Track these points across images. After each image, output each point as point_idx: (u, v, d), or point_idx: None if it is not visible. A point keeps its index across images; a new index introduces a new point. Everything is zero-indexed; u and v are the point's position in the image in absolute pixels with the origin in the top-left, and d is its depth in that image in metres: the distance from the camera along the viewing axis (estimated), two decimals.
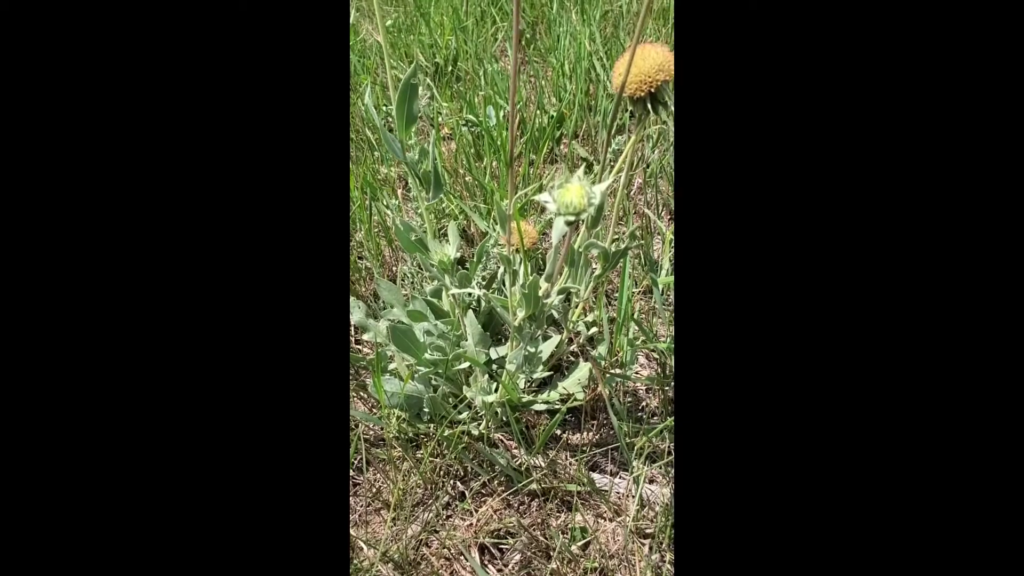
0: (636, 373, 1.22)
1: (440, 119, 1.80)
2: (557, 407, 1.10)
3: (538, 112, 1.68)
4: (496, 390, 1.06)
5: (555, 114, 1.63)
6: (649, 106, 0.80)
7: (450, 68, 1.90)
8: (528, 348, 0.93)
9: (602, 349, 1.13)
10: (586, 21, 1.92)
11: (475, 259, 1.17)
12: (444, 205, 1.36)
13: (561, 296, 0.91)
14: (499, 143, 1.52)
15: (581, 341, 1.18)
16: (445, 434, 1.06)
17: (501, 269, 1.23)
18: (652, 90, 0.79)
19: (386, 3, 2.23)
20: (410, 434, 1.13)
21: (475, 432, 1.06)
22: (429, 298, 1.20)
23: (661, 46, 0.79)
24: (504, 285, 1.06)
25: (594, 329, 1.16)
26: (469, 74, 1.89)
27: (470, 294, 1.01)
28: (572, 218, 0.67)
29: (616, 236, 1.45)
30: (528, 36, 2.06)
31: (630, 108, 0.81)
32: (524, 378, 1.01)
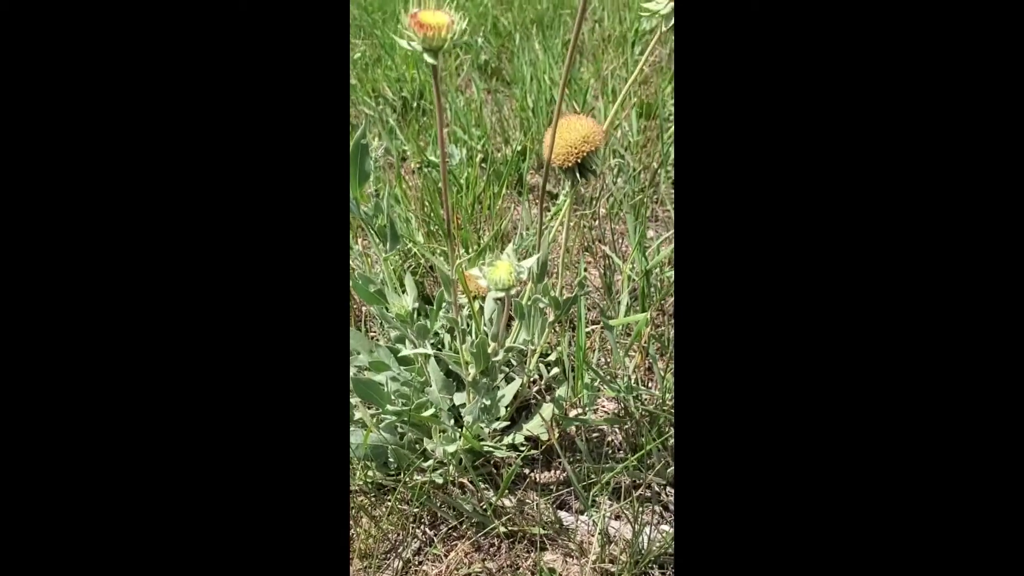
0: (599, 410, 1.25)
1: (403, 157, 1.83)
2: (521, 450, 1.13)
3: (503, 144, 1.71)
4: (460, 438, 1.09)
5: (518, 148, 1.66)
6: (577, 174, 0.82)
7: (415, 104, 1.93)
8: (484, 400, 0.96)
9: (562, 391, 1.16)
10: (547, 50, 1.95)
11: (435, 306, 1.19)
12: (408, 247, 1.39)
13: (512, 351, 0.93)
14: (464, 181, 1.54)
15: (543, 384, 1.21)
16: (410, 484, 1.09)
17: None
18: (579, 160, 0.81)
19: (354, 36, 2.26)
20: (378, 481, 1.16)
21: (440, 481, 1.09)
22: (393, 344, 1.22)
23: (586, 118, 0.82)
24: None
25: (556, 370, 1.19)
26: (432, 110, 1.92)
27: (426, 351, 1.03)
28: (502, 294, 0.70)
29: (577, 273, 1.48)
30: (493, 66, 2.09)
31: (560, 175, 0.84)
32: (486, 426, 1.04)
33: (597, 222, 1.57)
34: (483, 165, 1.67)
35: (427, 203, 1.52)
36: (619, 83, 1.86)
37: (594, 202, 1.47)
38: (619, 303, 1.29)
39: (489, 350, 0.88)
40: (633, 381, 1.17)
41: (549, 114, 1.71)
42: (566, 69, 0.71)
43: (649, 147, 1.78)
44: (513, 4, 2.15)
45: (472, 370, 0.90)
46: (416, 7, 0.69)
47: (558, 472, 1.21)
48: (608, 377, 1.15)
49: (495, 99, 1.99)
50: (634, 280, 1.27)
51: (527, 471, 1.22)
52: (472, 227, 1.48)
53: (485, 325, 0.94)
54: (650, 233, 1.62)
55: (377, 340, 1.19)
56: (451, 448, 1.05)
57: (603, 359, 1.30)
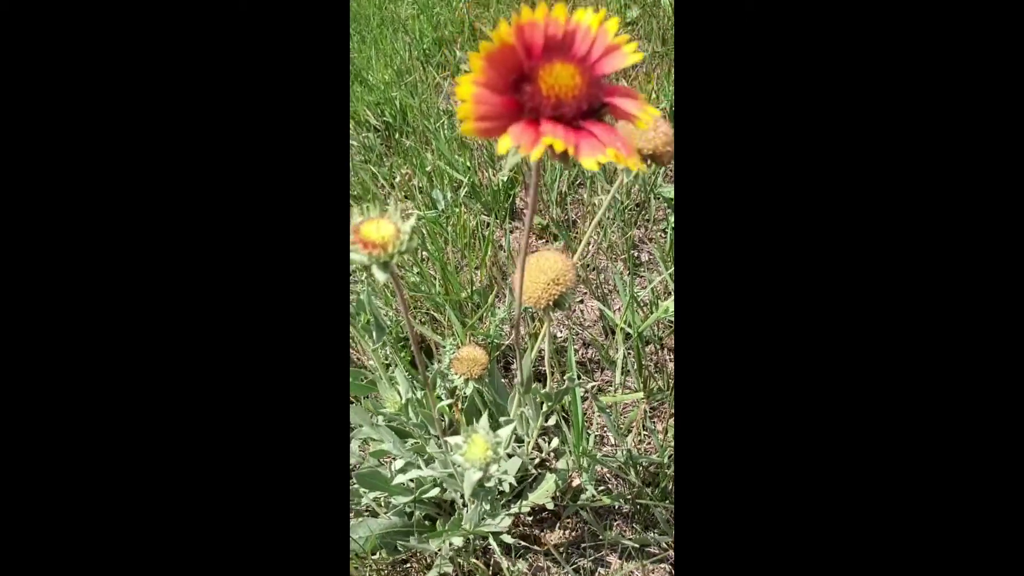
0: (603, 472, 1.26)
1: (392, 184, 1.80)
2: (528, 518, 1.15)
3: (491, 173, 1.68)
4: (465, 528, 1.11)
5: (506, 178, 1.62)
6: (550, 311, 0.81)
7: (398, 123, 1.88)
8: (485, 505, 0.97)
9: (563, 463, 1.17)
10: None
11: (431, 386, 1.20)
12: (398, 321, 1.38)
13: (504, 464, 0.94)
14: (454, 225, 1.52)
15: (543, 455, 1.22)
16: None
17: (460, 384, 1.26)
18: (555, 298, 0.80)
19: None
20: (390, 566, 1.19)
21: (449, 570, 1.12)
22: (390, 424, 1.23)
23: (555, 255, 0.81)
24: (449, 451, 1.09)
25: (556, 442, 1.20)
26: (417, 130, 1.88)
27: (417, 466, 1.04)
28: (480, 473, 0.70)
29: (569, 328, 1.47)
30: None
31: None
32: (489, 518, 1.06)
33: (589, 256, 1.55)
34: (467, 202, 1.65)
35: (416, 266, 1.51)
36: None
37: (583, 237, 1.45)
38: (615, 363, 1.29)
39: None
40: (632, 447, 1.18)
41: None
42: (530, 215, 0.69)
43: None
44: (490, 5, 2.07)
45: (468, 491, 0.91)
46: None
47: (567, 532, 1.24)
48: (607, 456, 1.16)
49: None
50: (628, 332, 1.26)
51: (537, 531, 1.24)
52: (465, 281, 1.47)
53: (468, 502, 0.94)
54: (643, 256, 1.60)
55: (375, 424, 1.20)
56: (458, 542, 1.07)
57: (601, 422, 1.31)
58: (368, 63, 2.05)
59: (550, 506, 1.20)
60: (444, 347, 1.29)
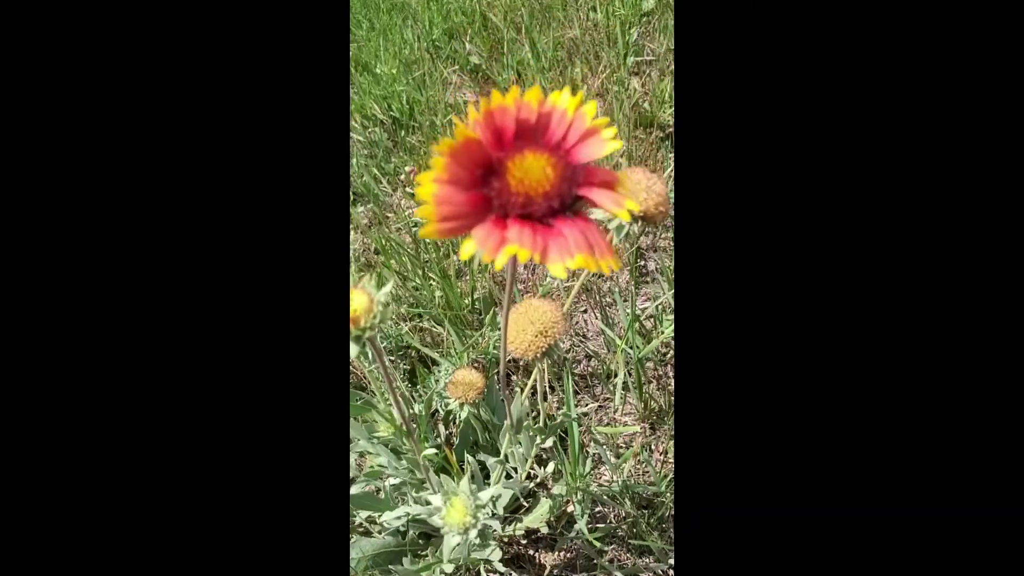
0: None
1: (399, 176, 1.77)
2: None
3: None
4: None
5: None
6: (539, 362, 0.79)
7: (405, 119, 1.85)
8: (474, 540, 0.96)
9: (559, 489, 1.16)
10: (536, 52, 1.83)
11: (423, 412, 1.18)
12: (400, 333, 1.37)
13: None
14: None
15: (539, 479, 1.21)
16: None
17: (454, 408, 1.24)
18: (543, 350, 0.78)
19: None
20: None
21: None
22: (385, 442, 1.23)
23: (543, 304, 0.78)
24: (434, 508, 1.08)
25: (551, 466, 1.18)
26: (424, 126, 1.84)
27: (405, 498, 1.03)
28: (459, 538, 0.68)
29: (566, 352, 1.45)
30: (485, 67, 1.98)
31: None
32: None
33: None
34: None
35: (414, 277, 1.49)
36: (614, 98, 1.75)
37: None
38: (614, 385, 1.26)
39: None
40: (629, 474, 1.16)
41: None
42: (508, 287, 0.67)
43: (649, 162, 1.69)
44: None
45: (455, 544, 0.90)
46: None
47: (563, 553, 1.23)
48: (603, 486, 1.14)
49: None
50: (628, 355, 1.24)
51: (532, 551, 1.24)
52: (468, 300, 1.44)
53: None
54: (650, 265, 1.57)
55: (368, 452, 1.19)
56: (448, 569, 1.07)
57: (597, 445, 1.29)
58: (376, 53, 2.01)
59: (544, 530, 1.19)
60: (441, 366, 1.27)
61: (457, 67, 1.98)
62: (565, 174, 0.49)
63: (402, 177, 1.77)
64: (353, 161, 1.79)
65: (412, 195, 1.68)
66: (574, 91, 0.52)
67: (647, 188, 0.69)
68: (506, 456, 1.00)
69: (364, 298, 0.64)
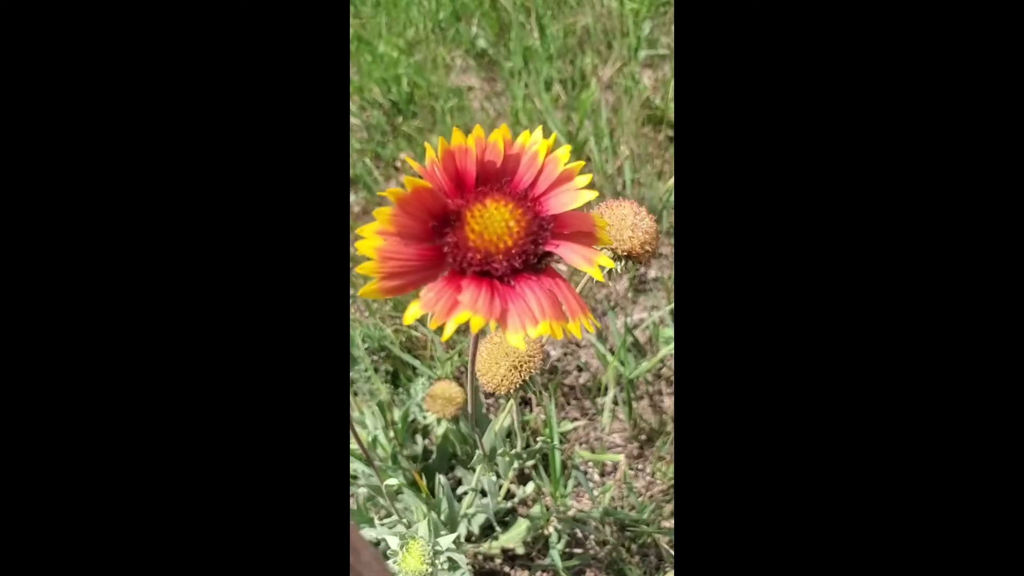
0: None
1: (395, 166, 1.71)
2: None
3: None
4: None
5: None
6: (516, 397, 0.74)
7: (404, 104, 1.78)
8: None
9: (537, 510, 1.11)
10: (544, 38, 1.76)
11: (400, 425, 1.14)
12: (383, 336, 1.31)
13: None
14: None
15: (517, 499, 1.16)
16: None
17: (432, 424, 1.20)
18: (516, 386, 0.73)
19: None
20: None
21: None
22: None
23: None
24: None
25: (531, 487, 1.14)
26: (423, 112, 1.77)
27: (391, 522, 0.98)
28: None
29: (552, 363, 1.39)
30: (491, 52, 1.90)
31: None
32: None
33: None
34: None
35: None
36: (623, 98, 1.67)
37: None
38: (602, 405, 1.21)
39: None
40: (608, 501, 1.11)
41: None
42: (471, 362, 0.61)
43: (656, 162, 1.62)
44: None
45: None
46: None
47: (540, 573, 1.18)
48: (583, 512, 1.10)
49: (491, 103, 1.82)
50: (620, 373, 1.18)
51: (508, 568, 1.20)
52: None
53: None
54: (651, 273, 1.50)
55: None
56: None
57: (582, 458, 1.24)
58: (378, 32, 1.94)
59: (520, 551, 1.15)
60: (419, 374, 1.22)
61: (462, 50, 1.90)
62: (531, 228, 0.43)
63: (397, 164, 1.71)
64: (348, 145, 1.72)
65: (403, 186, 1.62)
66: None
67: (633, 225, 0.63)
68: (481, 485, 0.95)
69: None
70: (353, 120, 1.80)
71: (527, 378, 0.71)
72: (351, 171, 1.68)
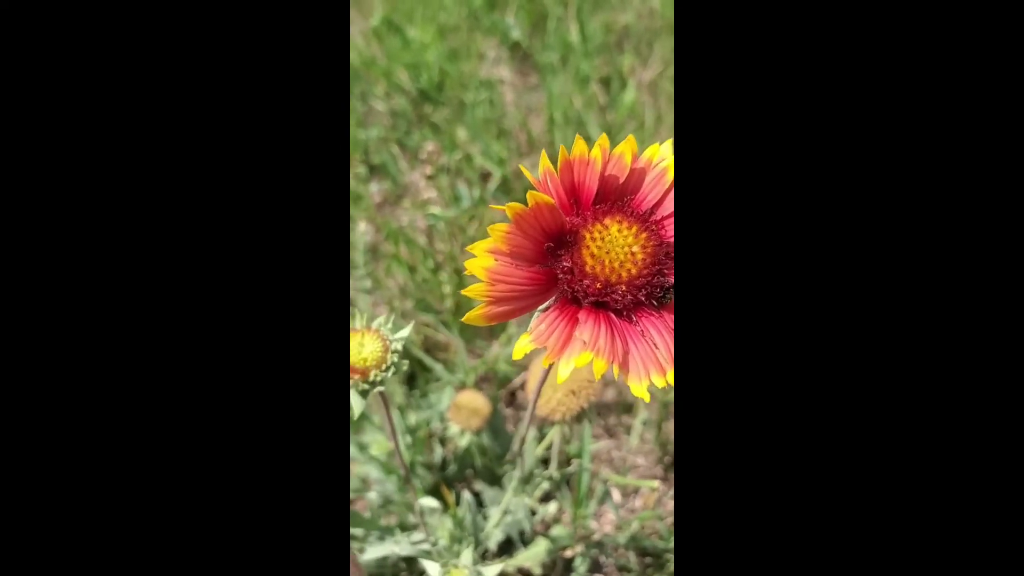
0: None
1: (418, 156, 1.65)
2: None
3: (528, 165, 1.52)
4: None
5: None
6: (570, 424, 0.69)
7: (432, 92, 1.71)
8: None
9: (559, 531, 1.06)
10: (584, 40, 1.70)
11: (419, 437, 1.08)
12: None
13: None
14: (477, 226, 1.38)
15: (538, 519, 1.11)
16: None
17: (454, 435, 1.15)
18: (573, 413, 0.67)
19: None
20: None
21: None
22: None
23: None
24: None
25: (553, 506, 1.08)
26: (452, 103, 1.71)
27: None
28: None
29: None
30: (525, 45, 1.84)
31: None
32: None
33: None
34: (499, 197, 1.50)
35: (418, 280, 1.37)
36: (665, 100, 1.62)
37: None
38: (630, 428, 1.16)
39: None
40: (637, 527, 1.06)
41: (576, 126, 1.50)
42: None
43: None
44: None
45: None
46: None
47: None
48: (608, 536, 1.04)
49: (523, 98, 1.76)
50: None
51: None
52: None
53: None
54: None
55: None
56: None
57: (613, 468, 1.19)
58: (409, 16, 1.87)
59: (537, 572, 1.09)
60: (442, 381, 1.17)
61: (496, 40, 1.84)
62: (656, 256, 0.38)
63: (423, 156, 1.65)
64: (373, 132, 1.66)
65: (430, 177, 1.56)
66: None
67: None
68: (508, 506, 0.90)
69: (378, 345, 0.52)
70: (378, 106, 1.73)
71: (585, 405, 0.66)
72: (375, 156, 1.62)
